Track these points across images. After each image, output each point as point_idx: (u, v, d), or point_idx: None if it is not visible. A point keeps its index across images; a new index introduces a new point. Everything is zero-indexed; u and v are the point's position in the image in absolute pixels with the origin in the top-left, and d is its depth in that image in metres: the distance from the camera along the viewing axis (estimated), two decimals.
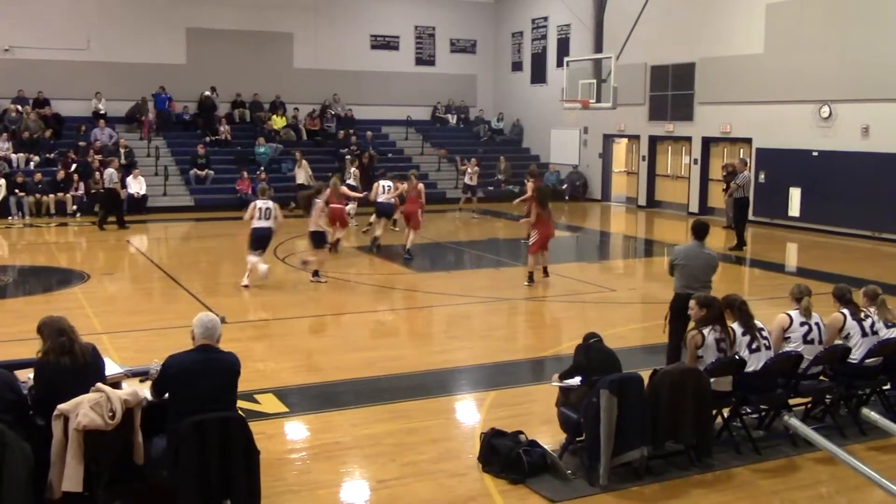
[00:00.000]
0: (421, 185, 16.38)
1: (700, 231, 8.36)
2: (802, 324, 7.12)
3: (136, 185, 21.91)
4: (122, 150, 23.12)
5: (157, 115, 25.25)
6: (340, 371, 8.73)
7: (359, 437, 6.91)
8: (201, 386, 5.13)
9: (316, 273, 13.35)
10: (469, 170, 22.31)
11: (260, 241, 12.88)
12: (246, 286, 12.75)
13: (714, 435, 6.60)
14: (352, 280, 13.96)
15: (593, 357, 6.28)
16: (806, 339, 7.08)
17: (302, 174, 22.23)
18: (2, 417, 4.84)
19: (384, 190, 16.40)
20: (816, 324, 7.18)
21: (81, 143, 23.29)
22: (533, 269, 13.33)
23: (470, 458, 6.42)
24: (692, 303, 6.94)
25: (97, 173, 21.17)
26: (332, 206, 14.59)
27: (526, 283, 13.19)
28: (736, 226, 17.57)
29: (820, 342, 7.17)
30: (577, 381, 6.41)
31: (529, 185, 16.90)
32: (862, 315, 7.36)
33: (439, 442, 6.84)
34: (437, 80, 29.97)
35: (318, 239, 13.43)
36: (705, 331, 6.66)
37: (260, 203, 12.85)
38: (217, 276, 14.51)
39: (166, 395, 5.29)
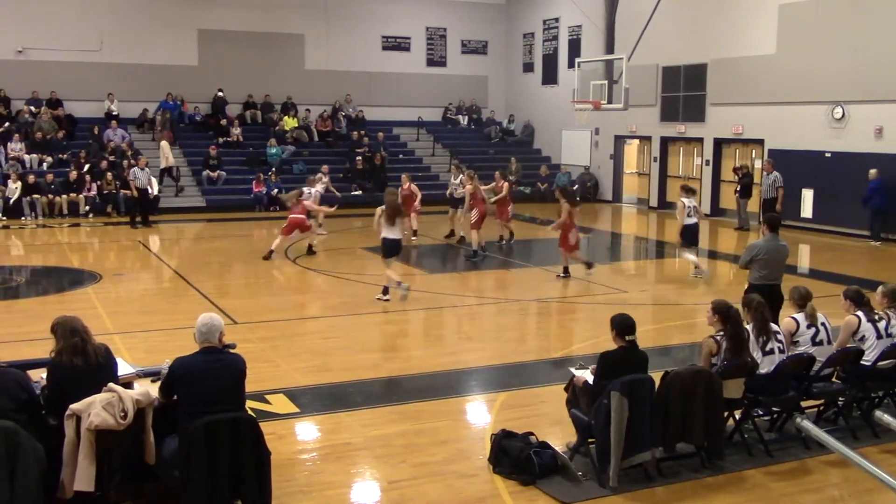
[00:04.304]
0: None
1: (775, 224, 9.07)
2: (809, 326, 7.09)
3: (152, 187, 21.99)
4: (128, 152, 23.15)
5: (169, 122, 25.18)
6: (351, 372, 8.74)
7: (369, 438, 6.92)
8: (208, 387, 5.17)
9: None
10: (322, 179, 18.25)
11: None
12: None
13: (725, 437, 6.58)
14: (361, 280, 13.97)
15: (607, 361, 6.21)
16: (815, 342, 7.05)
17: (163, 160, 23.20)
18: (15, 417, 4.87)
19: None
20: (822, 324, 7.15)
21: (90, 141, 23.41)
22: (585, 259, 14.30)
23: (480, 459, 6.42)
24: (709, 309, 6.88)
25: (126, 173, 21.33)
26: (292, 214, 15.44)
27: (588, 272, 14.03)
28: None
29: (829, 342, 7.14)
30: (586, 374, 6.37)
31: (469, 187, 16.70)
32: (876, 317, 7.32)
33: (449, 443, 6.84)
34: (449, 82, 29.97)
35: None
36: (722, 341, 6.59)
37: None
38: (228, 277, 14.55)
39: (175, 396, 5.33)
